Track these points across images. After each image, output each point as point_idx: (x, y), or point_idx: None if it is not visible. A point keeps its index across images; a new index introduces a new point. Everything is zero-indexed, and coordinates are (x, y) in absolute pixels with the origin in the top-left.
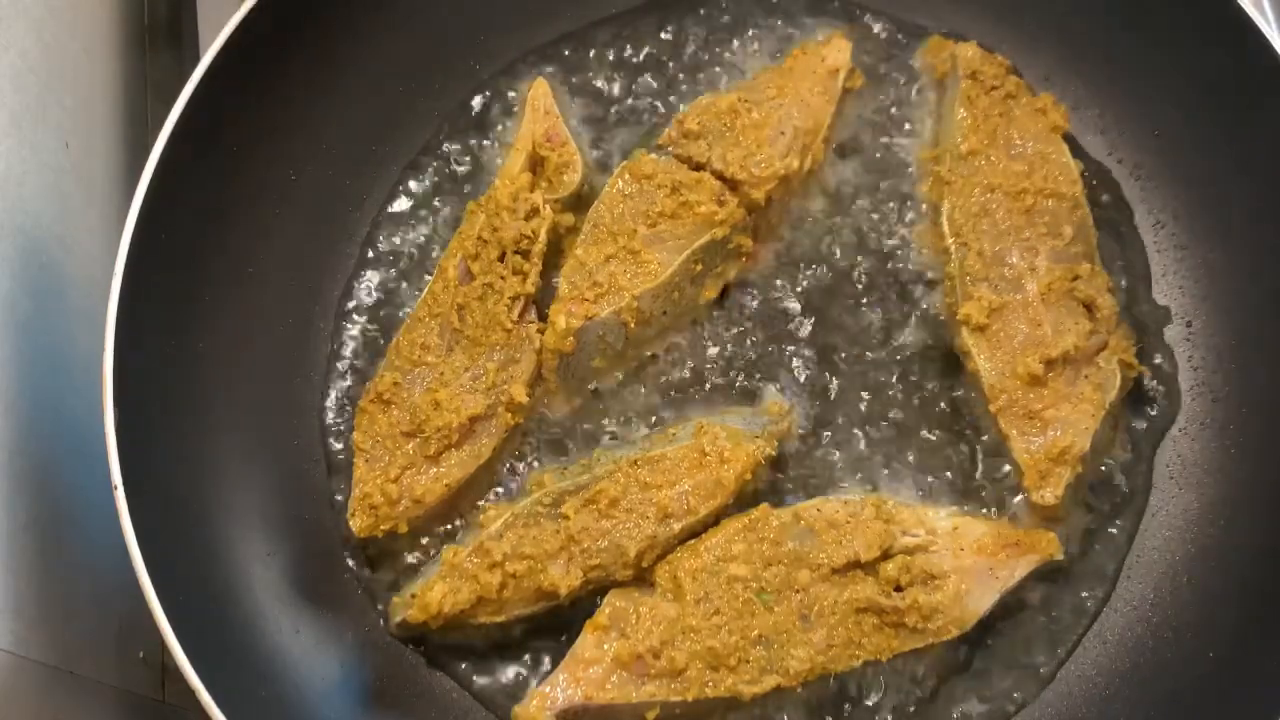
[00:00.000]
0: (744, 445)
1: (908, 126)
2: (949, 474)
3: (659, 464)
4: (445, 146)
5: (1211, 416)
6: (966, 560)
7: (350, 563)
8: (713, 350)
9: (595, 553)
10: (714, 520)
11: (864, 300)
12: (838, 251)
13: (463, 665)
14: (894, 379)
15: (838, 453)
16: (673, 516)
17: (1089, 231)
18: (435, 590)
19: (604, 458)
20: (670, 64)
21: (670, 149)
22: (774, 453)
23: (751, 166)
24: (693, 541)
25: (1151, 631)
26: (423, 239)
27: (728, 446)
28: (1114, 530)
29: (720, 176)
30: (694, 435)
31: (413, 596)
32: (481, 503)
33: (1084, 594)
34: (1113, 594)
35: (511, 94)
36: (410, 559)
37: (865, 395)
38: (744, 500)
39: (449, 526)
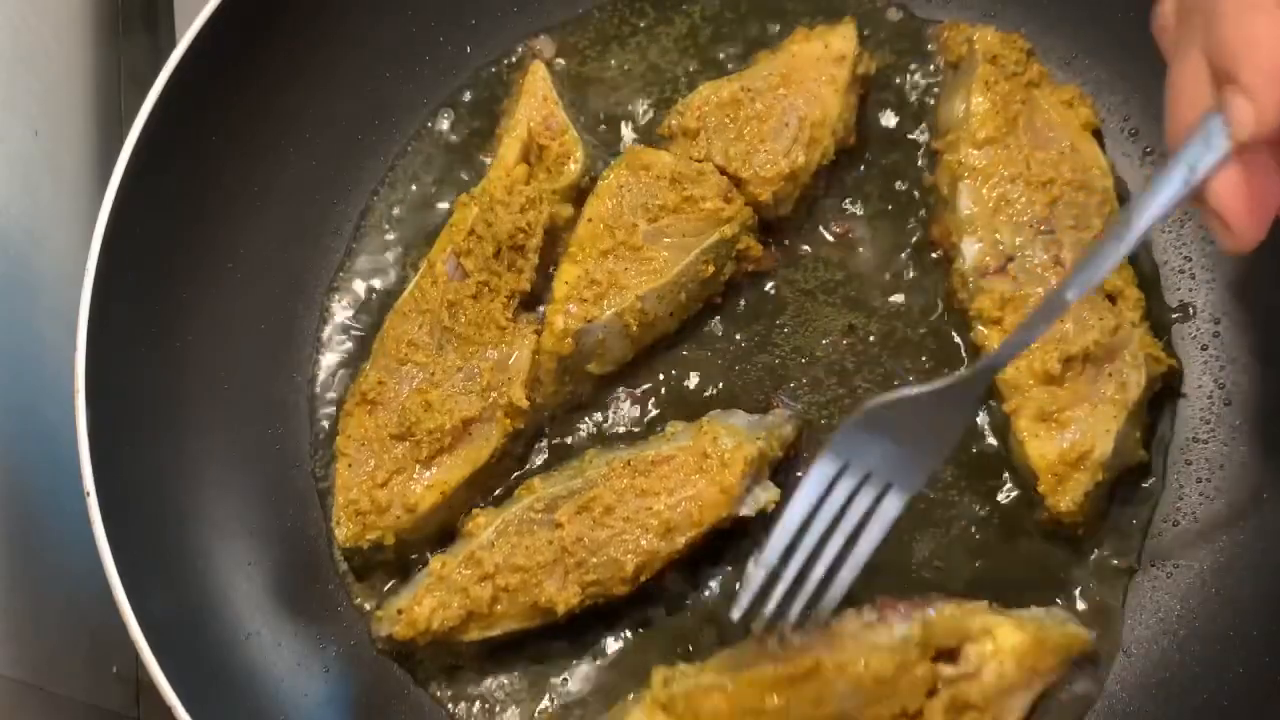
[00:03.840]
0: (745, 446)
1: (922, 114)
2: (965, 479)
3: (657, 468)
4: (435, 134)
5: (1241, 419)
6: (1006, 675)
7: (336, 573)
8: (718, 354)
9: (592, 568)
10: (717, 529)
11: (876, 298)
12: (849, 248)
13: (450, 681)
14: (908, 380)
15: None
16: (675, 530)
17: None
18: (424, 605)
19: (597, 459)
20: (674, 46)
21: (670, 141)
22: (779, 454)
23: (755, 165)
24: (714, 675)
25: (1178, 645)
26: (413, 231)
27: (729, 448)
28: (1136, 539)
29: (723, 172)
30: (694, 436)
31: (399, 612)
32: (471, 509)
33: (1106, 605)
34: (1137, 607)
35: (507, 80)
36: (399, 568)
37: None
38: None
39: (440, 534)
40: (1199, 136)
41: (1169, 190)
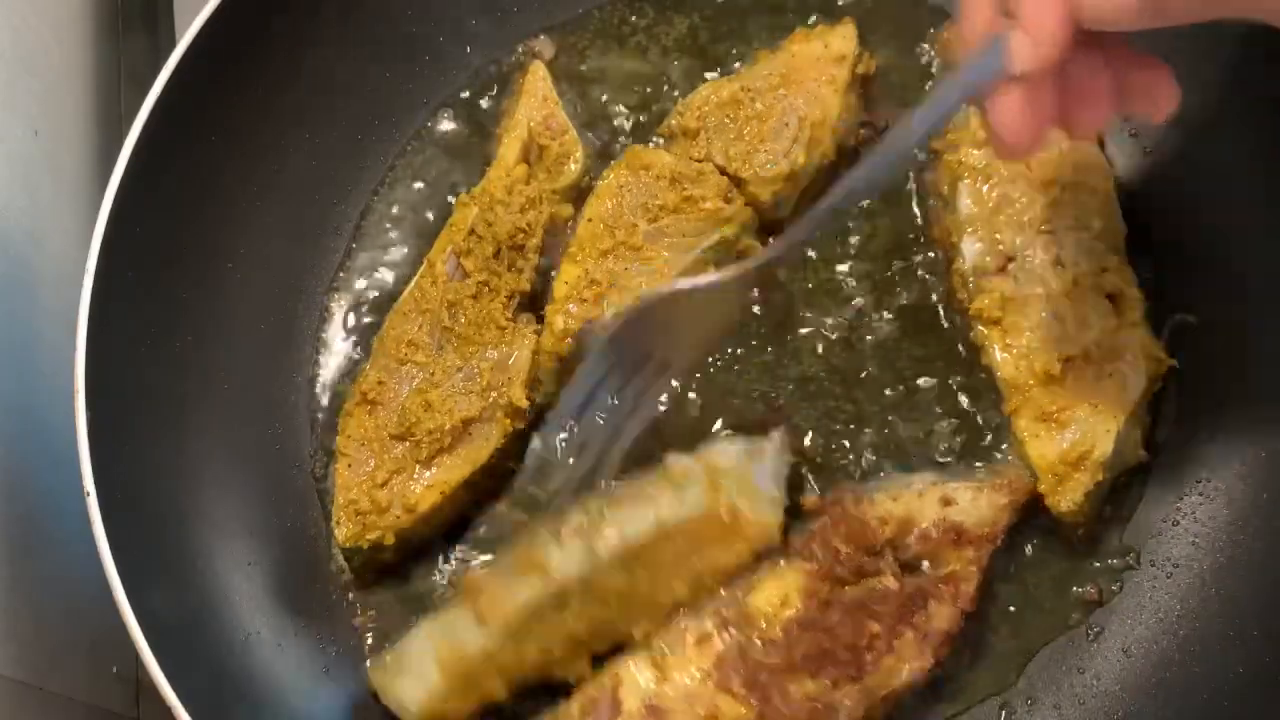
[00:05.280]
0: (768, 514)
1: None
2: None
3: (670, 543)
4: (436, 134)
5: (1241, 419)
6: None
7: (336, 573)
8: (717, 354)
9: (604, 636)
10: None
11: (876, 298)
12: (849, 248)
13: None
14: (907, 380)
15: (848, 457)
16: (698, 587)
17: (1117, 225)
18: (435, 697)
19: (605, 516)
20: (674, 46)
21: (670, 141)
22: (787, 502)
23: (755, 165)
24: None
25: (1178, 645)
26: (413, 232)
27: (748, 516)
28: (1136, 539)
29: (723, 172)
30: (706, 495)
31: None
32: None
33: (1106, 606)
34: (1137, 606)
35: (507, 80)
36: (399, 568)
37: (876, 399)
38: None
39: (439, 534)
40: (982, 56)
41: (946, 103)
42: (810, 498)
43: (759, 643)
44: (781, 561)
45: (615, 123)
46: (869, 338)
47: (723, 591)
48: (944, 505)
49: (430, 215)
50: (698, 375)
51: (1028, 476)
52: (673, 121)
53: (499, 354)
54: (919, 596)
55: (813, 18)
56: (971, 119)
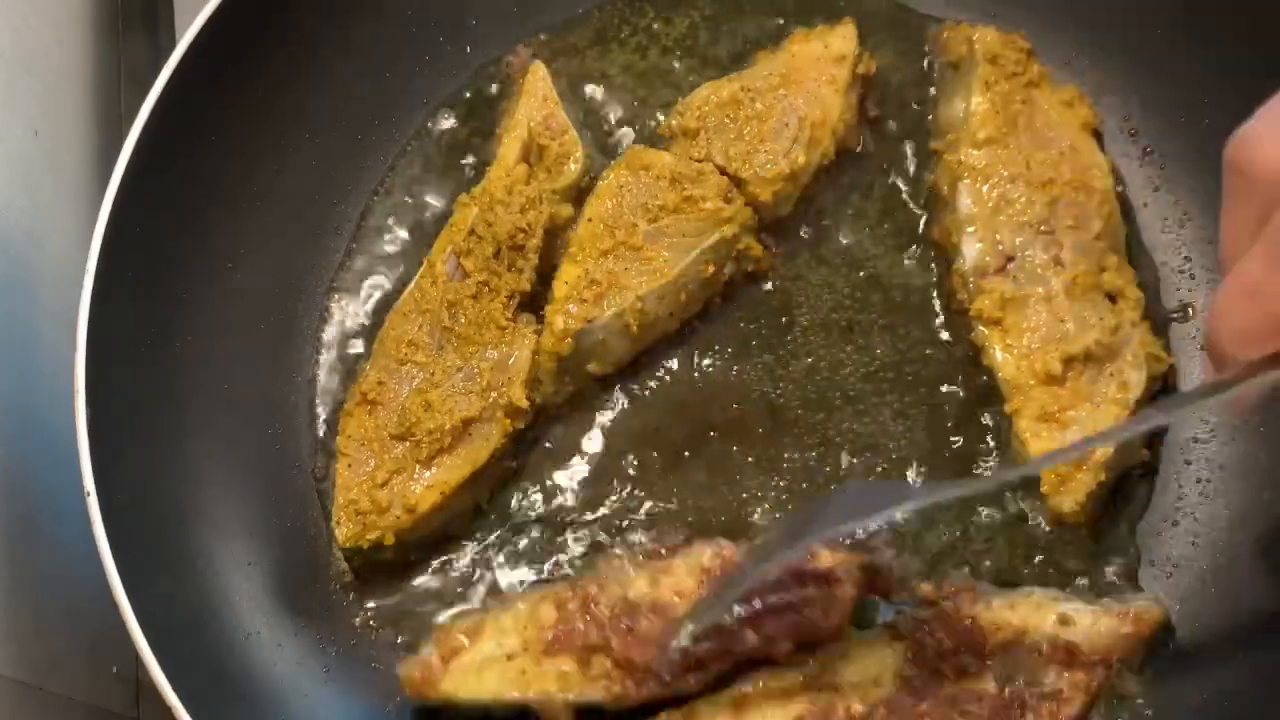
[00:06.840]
0: None
1: (922, 114)
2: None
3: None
4: (436, 134)
5: (1241, 419)
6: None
7: (336, 573)
8: (718, 354)
9: None
10: None
11: (876, 298)
12: (849, 248)
13: None
14: (907, 380)
15: (849, 458)
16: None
17: (1117, 225)
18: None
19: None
20: (674, 46)
21: (670, 141)
22: None
23: (755, 165)
24: None
25: (1179, 646)
26: (413, 232)
27: None
28: (1136, 539)
29: (723, 172)
30: None
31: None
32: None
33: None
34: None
35: (507, 79)
36: (400, 568)
37: (877, 400)
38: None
39: (440, 534)
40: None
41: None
42: (927, 587)
43: (844, 713)
44: (882, 639)
45: (615, 123)
46: (869, 338)
47: (812, 660)
48: (1061, 624)
49: (430, 215)
50: (698, 375)
51: (1159, 612)
52: (673, 121)
53: (499, 354)
54: (1016, 706)
55: (813, 18)
56: (971, 119)
